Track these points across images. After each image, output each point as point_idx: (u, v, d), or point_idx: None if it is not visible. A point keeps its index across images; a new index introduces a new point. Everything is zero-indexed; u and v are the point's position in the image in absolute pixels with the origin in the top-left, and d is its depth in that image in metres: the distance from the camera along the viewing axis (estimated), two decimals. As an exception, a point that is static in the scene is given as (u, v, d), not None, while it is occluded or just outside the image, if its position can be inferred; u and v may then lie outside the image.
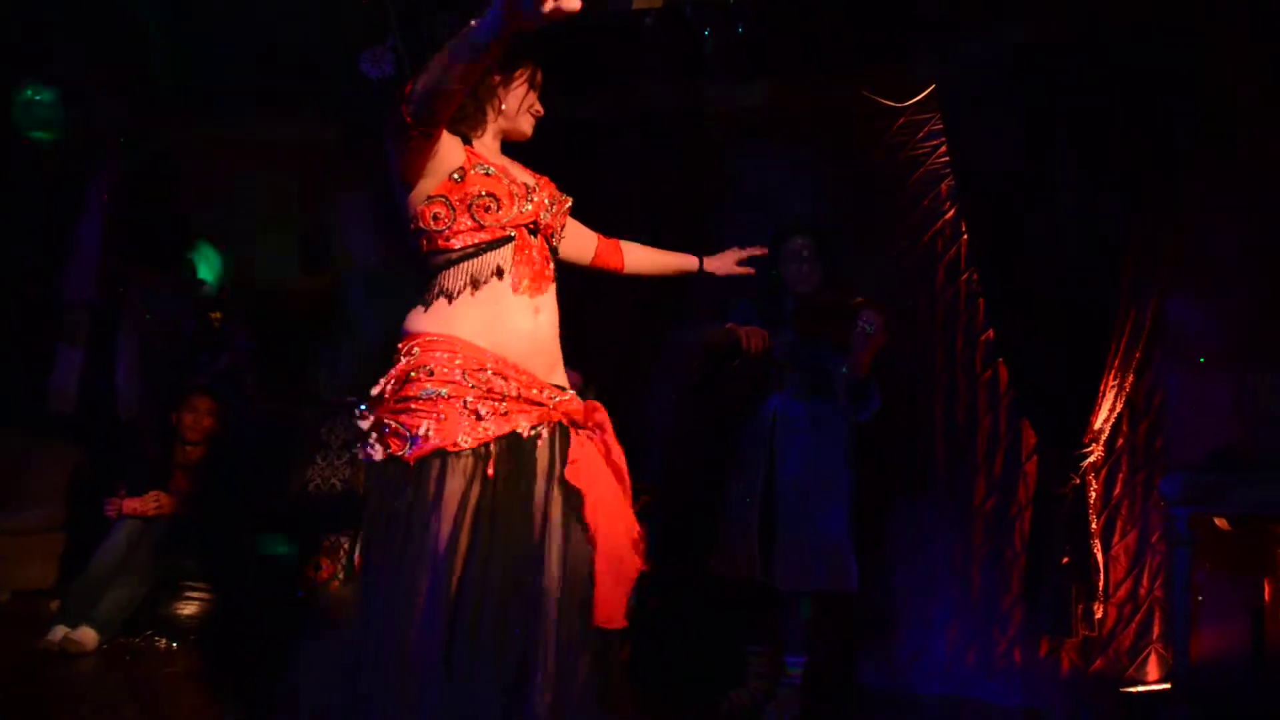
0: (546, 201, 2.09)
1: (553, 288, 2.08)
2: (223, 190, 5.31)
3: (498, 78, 2.09)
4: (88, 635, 3.39)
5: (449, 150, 1.95)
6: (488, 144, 2.11)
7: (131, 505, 3.78)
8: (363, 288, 5.34)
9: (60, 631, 3.39)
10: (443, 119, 1.85)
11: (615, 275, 2.55)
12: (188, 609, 3.73)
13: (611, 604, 1.85)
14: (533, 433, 1.90)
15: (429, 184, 1.95)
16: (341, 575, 3.86)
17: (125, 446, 4.62)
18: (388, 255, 5.37)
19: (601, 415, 2.04)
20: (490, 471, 1.83)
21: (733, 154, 4.19)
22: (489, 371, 1.88)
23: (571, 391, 2.06)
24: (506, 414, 1.88)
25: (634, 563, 1.93)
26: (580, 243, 2.43)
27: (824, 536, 3.11)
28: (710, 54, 3.49)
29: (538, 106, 2.15)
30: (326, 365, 5.48)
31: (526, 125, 2.15)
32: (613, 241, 2.53)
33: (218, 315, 5.65)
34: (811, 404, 3.25)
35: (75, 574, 3.77)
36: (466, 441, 1.82)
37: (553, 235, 2.12)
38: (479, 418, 1.84)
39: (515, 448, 1.88)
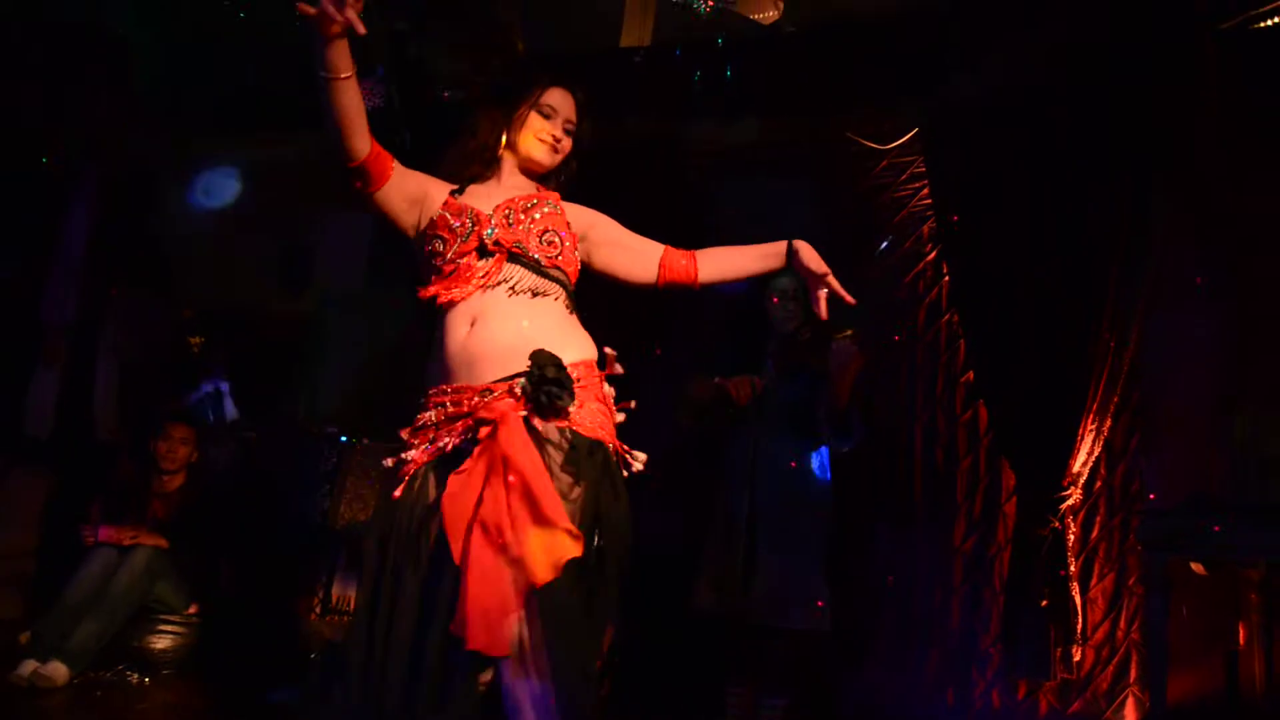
0: (504, 216, 2.02)
1: (499, 288, 1.96)
2: (203, 210, 5.30)
3: (498, 112, 2.12)
4: (58, 670, 3.32)
5: (410, 201, 2.07)
6: (504, 181, 2.14)
7: (108, 533, 3.72)
8: (342, 310, 5.33)
9: (30, 666, 3.32)
10: (364, 161, 1.95)
11: (691, 291, 2.24)
12: (162, 642, 3.68)
13: (485, 629, 1.69)
14: (454, 449, 1.90)
15: (411, 235, 2.11)
16: (319, 609, 3.83)
17: (101, 470, 4.57)
18: (369, 277, 5.39)
19: (511, 418, 1.84)
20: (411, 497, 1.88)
21: (717, 192, 4.22)
22: (433, 402, 1.95)
23: (501, 389, 1.87)
24: (434, 440, 1.91)
25: (518, 586, 1.73)
26: (627, 259, 2.19)
27: (799, 574, 3.11)
28: (698, 94, 3.52)
29: (549, 132, 2.12)
30: (306, 392, 5.46)
31: (538, 152, 2.13)
32: (684, 253, 2.20)
33: (198, 340, 5.62)
34: (789, 441, 3.25)
35: (46, 603, 3.70)
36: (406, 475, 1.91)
37: (519, 247, 2.00)
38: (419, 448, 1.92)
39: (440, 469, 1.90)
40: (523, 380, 1.85)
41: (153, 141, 5.14)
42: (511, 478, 1.76)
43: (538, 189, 2.16)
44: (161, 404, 4.98)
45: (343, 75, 1.84)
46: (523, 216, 2.04)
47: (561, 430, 1.85)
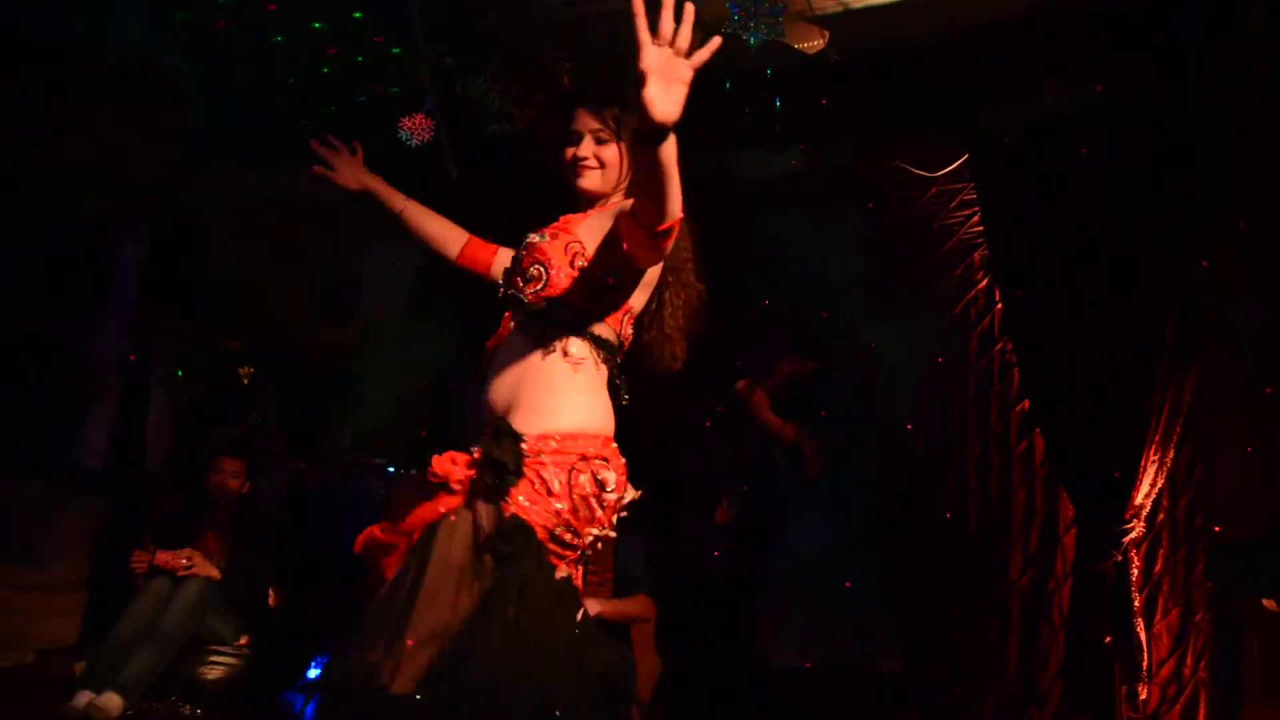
0: (515, 256, 1.99)
1: (514, 334, 1.90)
2: (251, 243, 5.38)
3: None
4: (113, 701, 3.34)
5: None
6: (587, 214, 2.02)
7: (163, 558, 3.74)
8: (386, 341, 5.38)
9: (85, 697, 3.34)
10: (458, 261, 2.24)
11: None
12: (213, 673, 3.69)
13: (405, 670, 1.65)
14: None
15: None
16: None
17: (151, 501, 4.62)
18: (412, 309, 5.44)
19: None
20: None
21: (764, 221, 4.21)
22: None
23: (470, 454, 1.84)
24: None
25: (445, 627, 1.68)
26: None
27: (844, 612, 3.10)
28: (747, 125, 3.52)
29: (575, 154, 2.00)
30: (351, 423, 5.50)
31: (573, 179, 2.02)
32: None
33: (246, 371, 5.69)
34: (814, 483, 3.30)
35: (99, 632, 3.73)
36: None
37: (508, 285, 1.96)
38: None
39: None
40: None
41: (200, 179, 5.24)
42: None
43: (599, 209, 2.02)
44: (211, 436, 5.05)
45: (397, 209, 2.25)
46: (524, 251, 1.93)
47: (490, 510, 1.74)
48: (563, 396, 1.82)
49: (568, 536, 1.76)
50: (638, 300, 1.93)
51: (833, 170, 4.03)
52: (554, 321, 1.85)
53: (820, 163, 4.00)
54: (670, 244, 1.73)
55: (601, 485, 1.78)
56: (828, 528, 3.18)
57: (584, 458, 1.77)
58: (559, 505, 1.74)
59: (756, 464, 3.46)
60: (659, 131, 1.51)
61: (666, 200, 1.63)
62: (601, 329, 1.87)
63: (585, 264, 1.86)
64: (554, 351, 1.84)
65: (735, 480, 3.61)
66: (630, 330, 1.93)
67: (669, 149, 1.56)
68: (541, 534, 1.73)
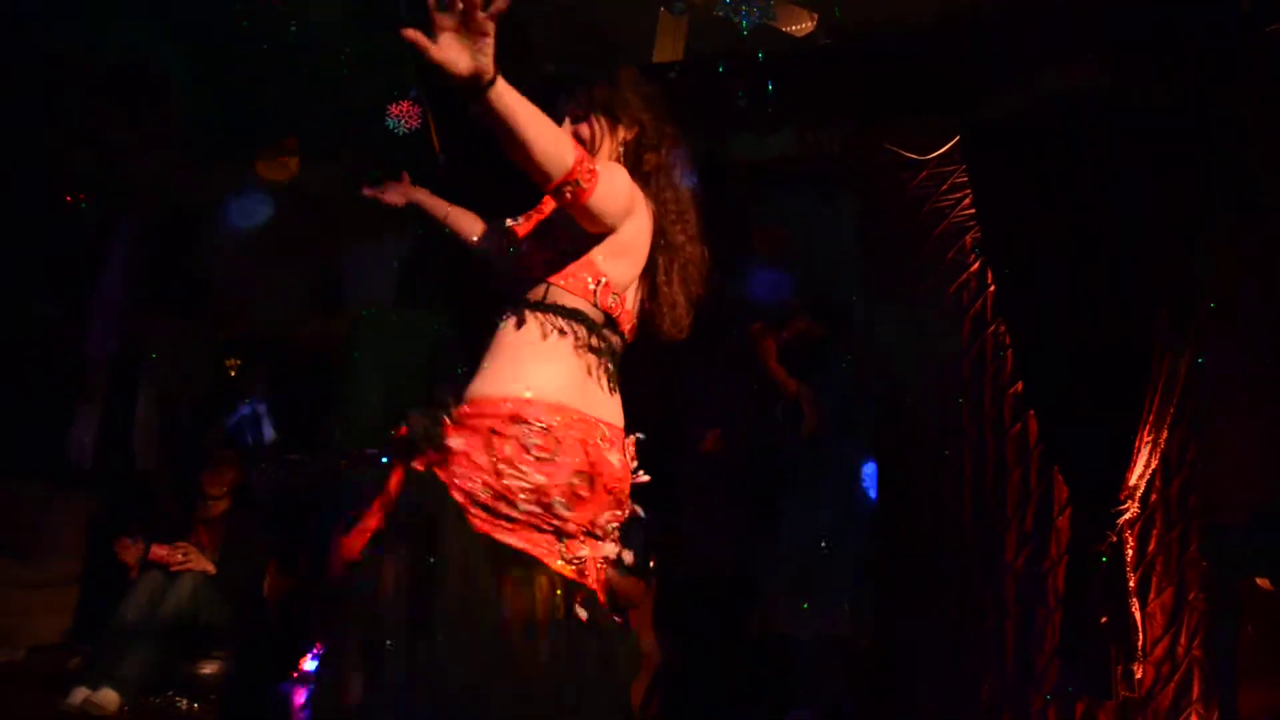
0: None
1: (504, 319, 1.91)
2: (239, 237, 5.33)
3: None
4: (109, 697, 3.34)
5: None
6: None
7: (158, 552, 3.73)
8: (374, 331, 5.36)
9: (81, 693, 3.34)
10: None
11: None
12: (209, 668, 3.68)
13: None
14: None
15: None
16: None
17: (142, 497, 4.60)
18: (398, 297, 5.41)
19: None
20: None
21: (755, 206, 4.20)
22: None
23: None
24: None
25: None
26: None
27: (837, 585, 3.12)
28: (739, 108, 3.51)
29: None
30: (343, 414, 5.47)
31: None
32: None
33: (234, 363, 5.66)
34: (819, 447, 3.30)
35: (92, 628, 3.73)
36: None
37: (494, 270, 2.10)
38: None
39: None
40: None
41: (188, 175, 5.19)
42: None
43: None
44: (202, 430, 5.03)
45: (440, 215, 2.36)
46: (505, 237, 2.03)
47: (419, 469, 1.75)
48: (503, 363, 1.83)
49: (498, 504, 1.73)
50: (615, 269, 1.90)
51: (824, 153, 4.01)
52: (524, 299, 1.87)
53: (811, 146, 3.98)
54: (590, 199, 1.72)
55: (527, 448, 1.73)
56: (825, 497, 3.19)
57: (513, 420, 1.75)
58: (478, 467, 1.73)
59: (756, 416, 3.48)
60: (473, 87, 1.50)
61: (534, 154, 1.62)
62: (570, 300, 1.86)
63: (551, 239, 1.89)
64: (523, 325, 1.85)
65: (726, 414, 3.63)
66: (612, 300, 1.90)
67: (502, 102, 1.54)
68: (459, 496, 1.72)
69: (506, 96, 1.54)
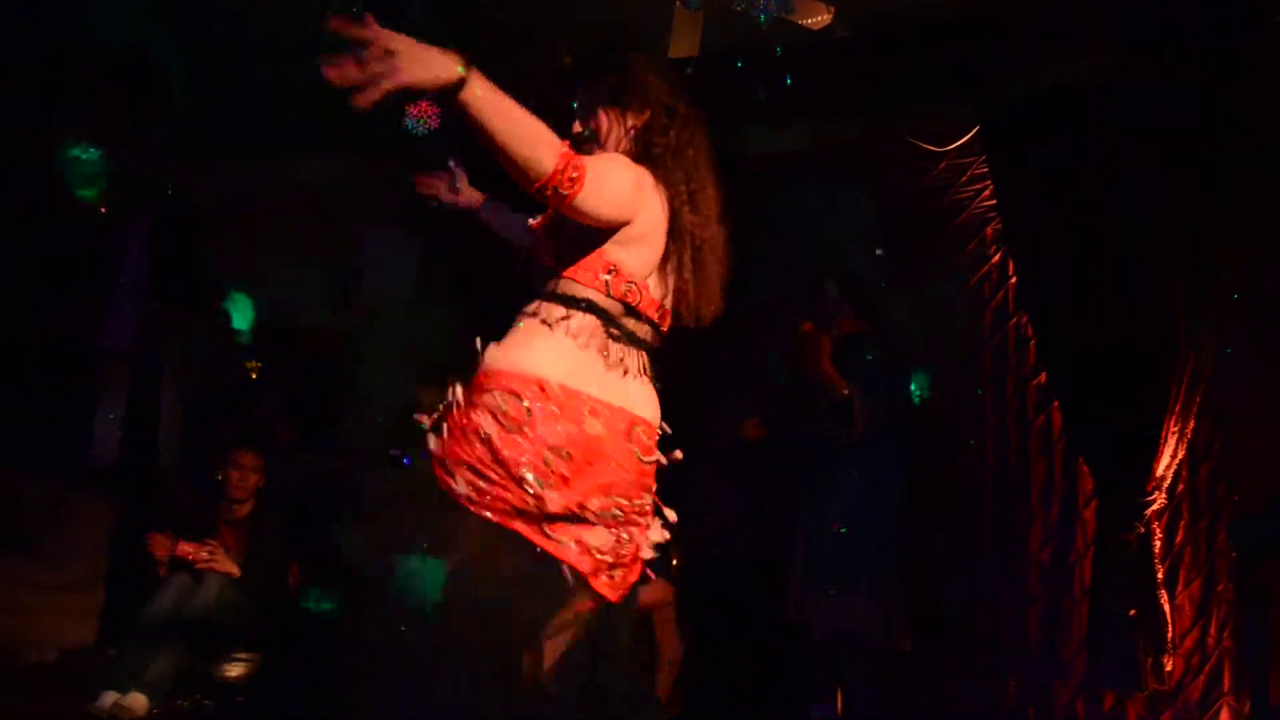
0: None
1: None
2: (252, 232, 5.34)
3: None
4: (138, 701, 3.34)
5: None
6: None
7: (185, 548, 3.72)
8: (391, 326, 5.35)
9: (110, 697, 3.34)
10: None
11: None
12: (235, 670, 3.69)
13: None
14: None
15: None
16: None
17: (167, 498, 4.61)
18: (416, 291, 5.40)
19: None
20: None
21: (772, 197, 4.17)
22: None
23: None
24: None
25: None
26: None
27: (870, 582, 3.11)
28: (757, 101, 3.48)
29: (573, 131, 1.99)
30: (361, 412, 5.47)
31: (576, 151, 1.95)
32: None
33: (255, 365, 5.66)
34: (843, 445, 3.28)
35: (119, 630, 3.73)
36: None
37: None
38: None
39: None
40: None
41: (200, 170, 5.20)
42: None
43: None
44: (223, 428, 5.03)
45: (476, 207, 2.33)
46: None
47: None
48: (505, 348, 1.80)
49: (480, 483, 1.69)
50: (628, 258, 1.84)
51: (842, 146, 3.99)
52: (541, 291, 1.85)
53: (828, 139, 3.96)
54: (575, 200, 1.67)
55: (495, 416, 1.70)
56: (865, 495, 3.18)
57: (484, 389, 1.73)
58: (469, 444, 1.70)
59: (800, 415, 3.42)
60: (447, 93, 1.49)
61: (511, 158, 1.59)
62: (582, 291, 1.82)
63: (561, 232, 1.85)
64: (535, 315, 1.81)
65: (768, 401, 3.61)
66: (626, 289, 1.83)
67: (478, 106, 1.52)
68: (446, 472, 1.72)
69: (480, 101, 1.51)
